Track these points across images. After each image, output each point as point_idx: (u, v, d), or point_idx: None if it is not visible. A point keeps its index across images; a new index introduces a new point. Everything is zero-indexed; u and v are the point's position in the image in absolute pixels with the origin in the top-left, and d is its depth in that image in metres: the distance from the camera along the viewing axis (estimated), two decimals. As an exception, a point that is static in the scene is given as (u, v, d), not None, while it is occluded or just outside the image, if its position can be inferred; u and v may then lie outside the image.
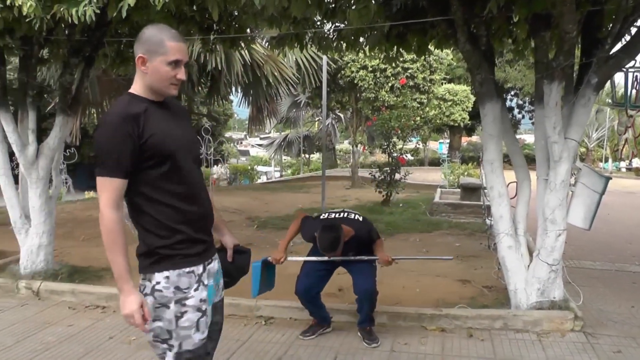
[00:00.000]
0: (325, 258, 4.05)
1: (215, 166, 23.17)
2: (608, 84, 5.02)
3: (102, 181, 2.04)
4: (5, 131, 5.57)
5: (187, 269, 2.15)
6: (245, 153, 47.23)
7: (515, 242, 4.63)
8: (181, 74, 2.12)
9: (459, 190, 12.95)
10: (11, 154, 5.76)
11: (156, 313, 2.12)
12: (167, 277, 2.12)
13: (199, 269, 2.20)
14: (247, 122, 21.23)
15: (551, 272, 4.44)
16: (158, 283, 2.11)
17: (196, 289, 2.16)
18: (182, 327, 2.12)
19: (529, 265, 4.59)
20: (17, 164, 5.76)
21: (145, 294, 2.12)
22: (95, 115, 16.19)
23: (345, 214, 4.19)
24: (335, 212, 4.26)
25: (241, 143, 55.55)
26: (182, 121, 2.27)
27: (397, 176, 12.00)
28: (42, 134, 5.84)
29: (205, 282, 2.22)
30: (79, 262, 6.41)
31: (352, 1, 4.85)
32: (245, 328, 4.48)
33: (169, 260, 2.13)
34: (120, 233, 2.06)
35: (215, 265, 2.34)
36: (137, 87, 2.14)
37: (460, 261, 6.65)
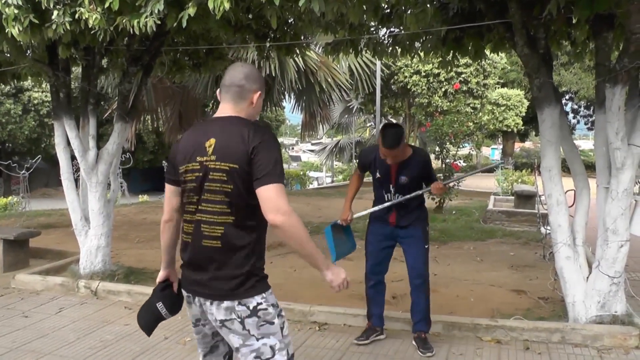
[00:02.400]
0: (387, 204, 4.10)
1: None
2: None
3: (281, 188, 2.14)
4: (69, 137, 5.80)
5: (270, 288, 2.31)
6: (296, 159, 47.50)
7: (573, 253, 4.47)
8: None
9: (512, 197, 12.66)
10: (71, 159, 5.99)
11: (260, 331, 2.20)
12: (265, 297, 2.23)
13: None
14: (299, 127, 21.37)
15: (612, 284, 4.26)
16: (259, 304, 2.20)
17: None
18: (286, 335, 2.27)
19: (587, 277, 4.43)
20: (77, 169, 5.98)
21: (245, 316, 2.19)
22: (149, 121, 16.64)
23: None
24: None
25: (293, 149, 55.93)
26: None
27: (451, 183, 11.81)
28: (99, 140, 6.04)
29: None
30: (135, 263, 6.58)
31: (409, 5, 4.82)
32: (299, 333, 4.49)
33: (264, 281, 2.28)
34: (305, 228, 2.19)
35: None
36: (249, 117, 2.32)
37: (515, 271, 6.48)
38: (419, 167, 4.09)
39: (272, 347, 2.19)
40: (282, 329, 2.25)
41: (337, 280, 2.23)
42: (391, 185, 4.10)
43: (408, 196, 4.06)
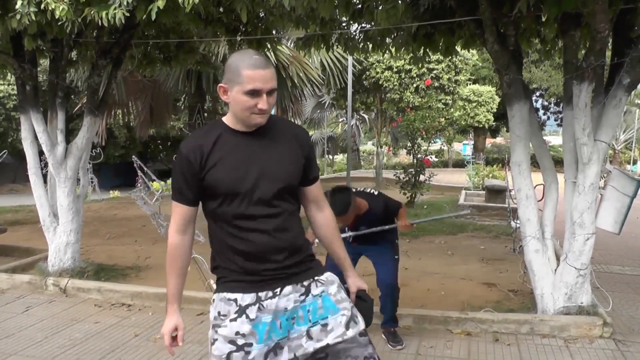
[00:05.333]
0: (346, 235, 3.99)
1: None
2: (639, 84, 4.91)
3: (173, 205, 2.11)
4: (36, 131, 5.68)
5: (230, 295, 2.05)
6: (268, 154, 47.36)
7: (542, 246, 4.55)
8: (262, 103, 1.97)
9: (483, 192, 12.83)
10: (39, 154, 5.87)
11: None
12: (214, 300, 2.10)
13: (244, 298, 2.03)
14: (271, 122, 21.24)
15: (579, 276, 4.36)
16: (213, 301, 2.11)
17: (233, 319, 2.01)
18: (213, 355, 2.03)
19: (556, 270, 4.52)
20: (46, 164, 5.86)
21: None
22: (120, 115, 16.41)
23: (362, 189, 4.14)
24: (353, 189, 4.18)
25: (265, 144, 55.72)
26: (273, 152, 2.10)
27: (422, 178, 11.93)
28: (68, 135, 5.93)
29: (251, 316, 2.01)
30: (105, 260, 6.50)
31: (380, 1, 4.83)
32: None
33: (220, 282, 2.12)
34: (176, 257, 2.12)
35: (284, 302, 2.06)
36: (228, 115, 2.11)
37: (485, 264, 6.58)
38: (379, 216, 4.01)
39: None
40: (210, 343, 2.05)
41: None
42: (351, 231, 4.05)
43: (370, 230, 3.99)
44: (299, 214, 2.20)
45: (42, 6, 3.88)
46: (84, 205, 6.16)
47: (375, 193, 4.11)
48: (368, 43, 6.09)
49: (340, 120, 32.22)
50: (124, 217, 10.59)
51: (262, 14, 6.03)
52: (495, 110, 24.64)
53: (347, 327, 2.09)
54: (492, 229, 8.98)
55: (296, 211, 2.18)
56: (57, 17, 3.90)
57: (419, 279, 5.74)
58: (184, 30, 6.19)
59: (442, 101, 16.73)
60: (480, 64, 25.82)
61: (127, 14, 3.81)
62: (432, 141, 13.20)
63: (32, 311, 4.97)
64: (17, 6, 3.94)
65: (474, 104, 24.41)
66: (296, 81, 14.47)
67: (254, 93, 1.96)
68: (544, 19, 4.65)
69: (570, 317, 4.35)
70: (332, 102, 21.76)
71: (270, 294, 2.04)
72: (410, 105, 16.03)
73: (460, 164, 33.21)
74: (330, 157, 36.81)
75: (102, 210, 11.55)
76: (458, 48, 5.90)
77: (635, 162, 32.55)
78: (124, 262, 6.43)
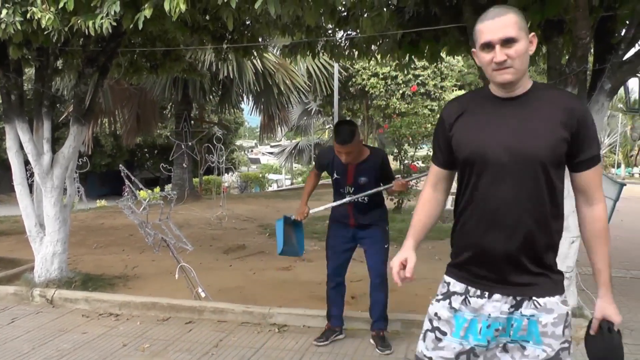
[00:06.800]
0: (346, 200, 4.08)
1: (226, 174, 23.25)
2: (621, 89, 4.99)
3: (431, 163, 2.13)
4: (22, 141, 5.63)
5: (446, 278, 2.04)
6: (256, 161, 47.33)
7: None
8: (496, 56, 1.78)
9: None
10: (25, 163, 5.83)
11: None
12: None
13: (455, 285, 1.98)
14: (257, 130, 21.30)
15: (565, 279, 4.38)
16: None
17: (438, 300, 2.03)
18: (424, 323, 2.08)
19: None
20: (32, 173, 5.82)
21: None
22: (107, 124, 16.36)
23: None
24: None
25: (252, 151, 55.66)
26: (527, 122, 1.84)
27: (413, 180, 11.97)
28: (54, 144, 5.90)
29: (455, 305, 1.96)
30: (92, 269, 6.45)
31: (365, 9, 4.88)
32: (258, 335, 4.48)
33: (450, 263, 2.08)
34: (424, 203, 2.14)
35: (490, 308, 1.90)
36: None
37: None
38: (377, 167, 4.11)
39: None
40: None
41: None
42: (350, 186, 4.13)
43: (368, 192, 4.06)
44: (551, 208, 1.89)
45: (28, 15, 3.88)
46: (70, 215, 6.12)
47: (377, 147, 4.24)
48: (354, 50, 6.14)
49: (327, 127, 32.23)
50: (111, 226, 10.52)
51: (248, 22, 6.05)
52: (481, 116, 24.82)
53: None
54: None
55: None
56: (43, 26, 3.90)
57: (406, 284, 5.76)
58: (171, 38, 6.20)
59: (429, 107, 16.82)
60: (466, 70, 25.94)
61: (114, 24, 3.81)
62: (419, 147, 13.27)
63: (19, 322, 4.91)
64: (2, 15, 3.93)
65: (460, 110, 24.58)
66: (282, 88, 14.53)
67: (486, 47, 1.81)
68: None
69: (557, 319, 4.38)
70: (318, 109, 21.84)
71: (478, 292, 1.93)
72: (397, 112, 16.12)
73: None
74: (318, 163, 36.76)
75: (89, 220, 11.46)
76: (443, 55, 5.96)
77: (619, 166, 32.92)
78: (111, 272, 6.38)
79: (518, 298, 1.88)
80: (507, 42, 1.77)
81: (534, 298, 1.87)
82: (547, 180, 1.84)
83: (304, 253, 4.39)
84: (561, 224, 1.96)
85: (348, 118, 13.44)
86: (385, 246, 4.21)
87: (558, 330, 1.86)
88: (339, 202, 4.15)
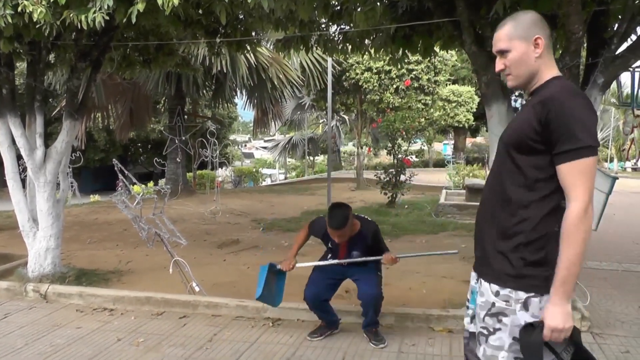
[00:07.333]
0: (334, 261, 4.12)
1: (220, 169, 23.23)
2: (614, 83, 5.01)
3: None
4: (14, 135, 5.61)
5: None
6: (249, 156, 47.27)
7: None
8: (495, 66, 2.05)
9: (464, 191, 12.95)
10: (17, 158, 5.80)
11: None
12: None
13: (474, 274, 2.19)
14: (251, 124, 21.29)
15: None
16: None
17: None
18: None
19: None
20: (24, 168, 5.79)
21: None
22: (100, 119, 16.29)
23: (356, 214, 4.25)
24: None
25: (245, 146, 55.62)
26: (519, 114, 2.05)
27: (403, 178, 12.02)
28: (47, 139, 5.87)
29: (472, 282, 2.20)
30: (86, 264, 6.44)
31: (359, 3, 4.87)
32: (253, 330, 4.49)
33: None
34: None
35: (477, 287, 2.12)
36: None
37: (466, 262, 6.63)
38: (369, 240, 4.12)
39: None
40: None
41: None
42: (342, 259, 4.16)
43: (357, 259, 4.10)
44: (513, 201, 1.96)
45: (19, 9, 3.85)
46: (64, 210, 6.10)
47: (369, 219, 4.24)
48: (347, 44, 6.13)
49: (321, 121, 32.27)
50: (105, 221, 10.51)
51: (241, 16, 6.04)
52: (475, 110, 24.87)
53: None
54: (472, 227, 9.03)
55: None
56: (35, 19, 3.88)
57: (400, 278, 5.78)
58: (164, 32, 6.18)
59: (422, 101, 16.83)
60: (460, 65, 26.05)
61: (107, 18, 3.79)
62: (413, 141, 13.30)
63: (12, 318, 4.91)
64: (-7, 9, 3.90)
65: (454, 104, 24.62)
66: (276, 83, 14.51)
67: (498, 54, 2.03)
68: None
69: (549, 312, 4.40)
70: (312, 103, 21.83)
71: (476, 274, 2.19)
72: (390, 106, 16.12)
73: (440, 163, 33.50)
74: (311, 158, 36.85)
75: (83, 215, 11.44)
76: (437, 49, 5.96)
77: (612, 160, 33.06)
78: (105, 267, 6.38)
79: (475, 274, 2.15)
80: (501, 53, 2.00)
81: (480, 278, 2.09)
82: (513, 163, 1.94)
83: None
84: (516, 210, 1.94)
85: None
86: (379, 273, 4.22)
87: (482, 313, 2.02)
88: (326, 262, 4.20)
